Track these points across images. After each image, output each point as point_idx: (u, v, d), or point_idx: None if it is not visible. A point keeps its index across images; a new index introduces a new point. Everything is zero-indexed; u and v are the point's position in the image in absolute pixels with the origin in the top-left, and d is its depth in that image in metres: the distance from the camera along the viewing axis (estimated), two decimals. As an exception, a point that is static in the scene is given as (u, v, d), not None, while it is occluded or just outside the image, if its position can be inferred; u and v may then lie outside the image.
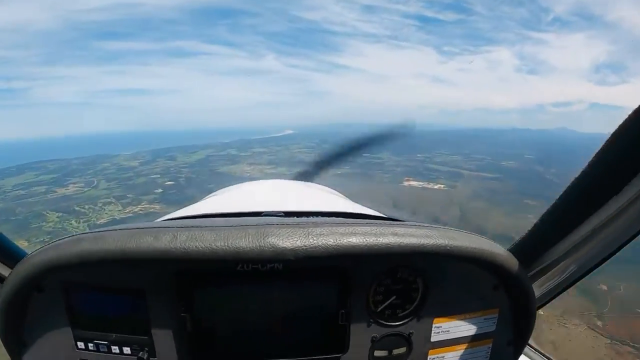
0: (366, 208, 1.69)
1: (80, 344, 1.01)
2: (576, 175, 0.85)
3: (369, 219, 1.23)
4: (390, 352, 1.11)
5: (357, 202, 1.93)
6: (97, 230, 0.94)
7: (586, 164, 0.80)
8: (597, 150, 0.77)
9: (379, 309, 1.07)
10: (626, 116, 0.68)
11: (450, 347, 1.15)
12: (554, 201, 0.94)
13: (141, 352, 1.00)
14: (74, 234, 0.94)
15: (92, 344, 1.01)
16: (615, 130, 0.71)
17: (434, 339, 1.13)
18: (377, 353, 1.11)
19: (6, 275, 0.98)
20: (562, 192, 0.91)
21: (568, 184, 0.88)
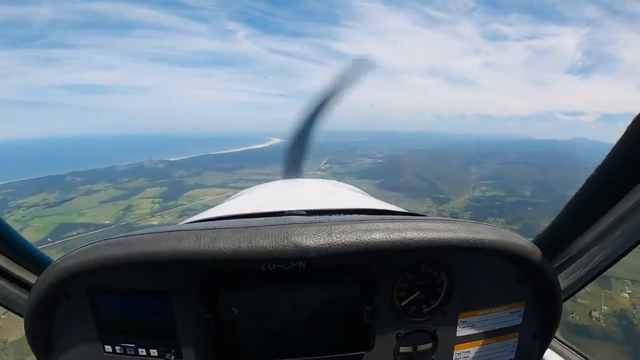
0: (388, 204, 1.69)
1: (108, 348, 1.03)
2: (599, 164, 0.84)
3: (391, 214, 1.22)
4: (415, 348, 1.10)
5: (378, 199, 1.93)
6: (121, 235, 0.95)
7: (609, 152, 0.80)
8: (619, 138, 0.76)
9: (404, 305, 1.06)
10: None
11: (476, 341, 1.13)
12: (576, 192, 0.93)
13: (168, 354, 1.02)
14: (98, 240, 0.96)
15: (119, 347, 1.02)
16: (637, 117, 0.70)
17: (459, 334, 1.12)
18: (403, 349, 1.10)
19: (33, 282, 1.01)
20: (585, 182, 0.90)
21: (591, 173, 0.87)
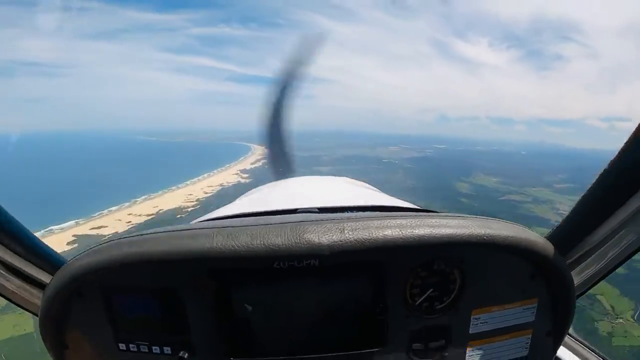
0: (400, 200, 1.68)
1: (122, 346, 1.03)
2: (612, 159, 0.84)
3: (403, 211, 1.22)
4: (428, 344, 1.10)
5: (390, 195, 1.93)
6: (135, 234, 0.96)
7: (622, 146, 0.80)
8: (632, 132, 0.76)
9: (417, 302, 1.06)
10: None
11: (489, 338, 1.13)
12: (590, 185, 0.92)
13: (181, 352, 1.02)
14: (112, 239, 0.97)
15: (133, 345, 1.03)
16: None
17: (472, 330, 1.11)
18: (415, 346, 1.10)
19: (47, 281, 1.02)
20: (598, 177, 0.89)
21: (604, 167, 0.86)
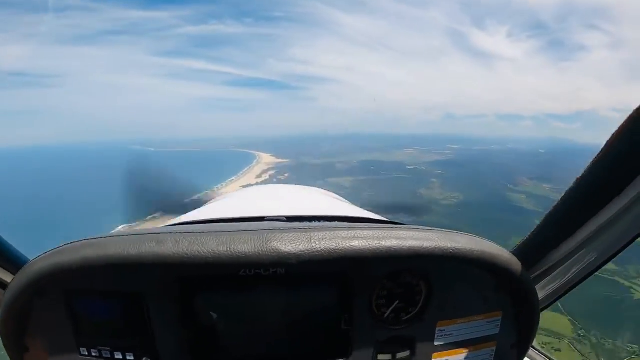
0: (368, 212, 1.72)
1: (83, 350, 1.01)
2: (578, 177, 0.86)
3: (370, 222, 1.24)
4: (394, 356, 1.11)
5: (358, 206, 1.94)
6: (99, 236, 0.95)
7: (587, 165, 0.82)
8: (598, 152, 0.78)
9: (383, 313, 1.06)
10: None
11: (454, 350, 1.15)
12: (555, 203, 0.95)
13: (144, 358, 1.01)
14: (76, 240, 0.95)
15: (94, 350, 1.01)
16: (616, 132, 0.72)
17: (437, 342, 1.13)
18: (381, 357, 1.11)
19: (8, 281, 1.00)
20: (563, 194, 0.92)
21: (570, 185, 0.89)
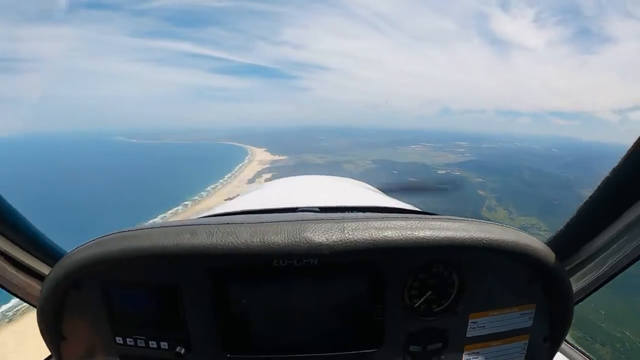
0: (400, 202, 1.73)
1: (119, 339, 1.04)
2: (615, 167, 0.84)
3: (403, 213, 1.24)
4: (425, 347, 1.10)
5: (391, 196, 1.95)
6: (136, 228, 0.97)
7: (623, 156, 0.81)
8: (634, 143, 0.77)
9: (415, 304, 1.06)
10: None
11: (486, 342, 1.13)
12: (591, 193, 0.93)
13: (178, 347, 1.02)
14: (114, 232, 0.98)
15: (130, 339, 1.04)
16: None
17: (469, 334, 1.12)
18: (412, 348, 1.10)
19: (46, 273, 1.03)
20: (599, 185, 0.90)
21: (605, 176, 0.87)
